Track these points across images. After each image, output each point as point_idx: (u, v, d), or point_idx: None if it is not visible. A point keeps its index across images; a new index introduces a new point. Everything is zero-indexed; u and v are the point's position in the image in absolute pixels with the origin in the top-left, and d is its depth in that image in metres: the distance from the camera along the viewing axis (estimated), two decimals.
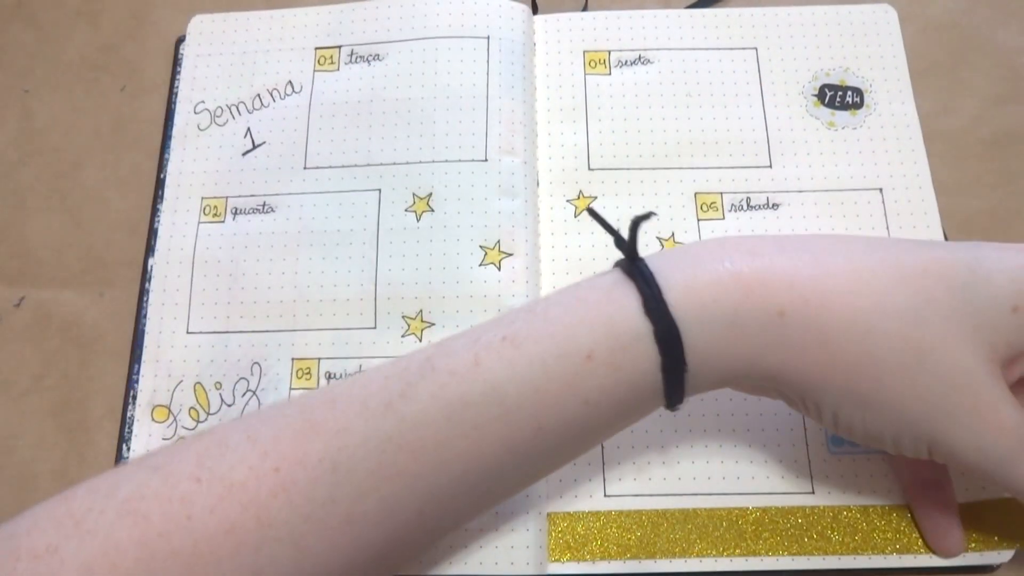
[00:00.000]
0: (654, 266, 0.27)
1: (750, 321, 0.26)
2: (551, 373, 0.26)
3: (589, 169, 0.40)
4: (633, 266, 0.27)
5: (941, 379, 0.26)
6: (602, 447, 0.35)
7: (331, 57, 0.43)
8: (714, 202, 0.39)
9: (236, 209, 0.40)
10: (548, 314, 0.27)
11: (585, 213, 0.40)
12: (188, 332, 0.38)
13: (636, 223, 0.28)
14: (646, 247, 0.37)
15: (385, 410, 0.26)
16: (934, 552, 0.33)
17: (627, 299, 0.27)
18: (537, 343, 0.26)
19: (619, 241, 0.29)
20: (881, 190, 0.39)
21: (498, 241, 0.38)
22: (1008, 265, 0.27)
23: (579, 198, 0.40)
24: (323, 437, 0.26)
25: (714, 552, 0.33)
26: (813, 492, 0.34)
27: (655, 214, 0.33)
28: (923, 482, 0.33)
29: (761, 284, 0.26)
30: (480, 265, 0.38)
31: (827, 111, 0.41)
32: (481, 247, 0.38)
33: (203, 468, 0.26)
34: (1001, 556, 0.33)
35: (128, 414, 0.37)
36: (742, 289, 0.26)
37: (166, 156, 0.42)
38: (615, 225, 0.29)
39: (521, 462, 0.27)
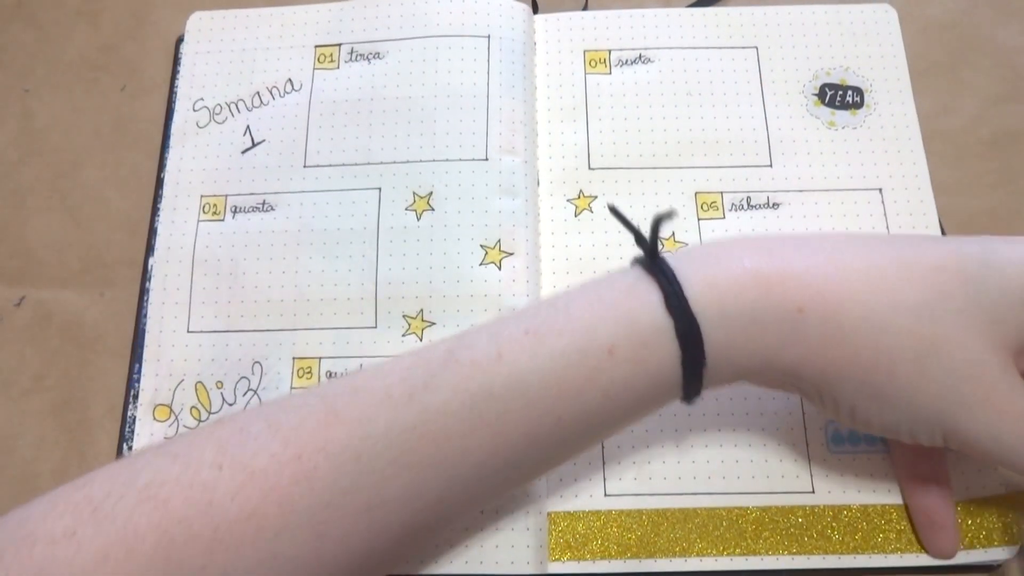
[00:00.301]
0: (674, 264, 0.28)
1: (770, 318, 0.27)
2: (573, 366, 0.27)
3: (589, 168, 0.40)
4: (654, 263, 0.28)
5: (955, 371, 0.27)
6: (602, 446, 0.35)
7: (331, 55, 0.43)
8: (714, 201, 0.39)
9: (236, 208, 0.40)
10: (570, 309, 0.28)
11: (585, 213, 0.40)
12: (189, 331, 0.38)
13: (657, 221, 0.29)
14: None
15: (408, 400, 0.27)
16: (927, 552, 0.33)
17: (649, 295, 0.27)
18: (559, 337, 0.27)
19: (639, 239, 0.29)
20: (881, 190, 0.39)
21: (498, 240, 0.38)
22: (1020, 258, 0.27)
23: (579, 197, 0.40)
24: (346, 426, 0.26)
25: (714, 552, 0.33)
26: (813, 492, 0.34)
27: (676, 212, 0.34)
28: (921, 479, 0.33)
29: (780, 283, 0.27)
30: (480, 264, 0.38)
31: (827, 110, 0.41)
32: (482, 246, 0.38)
33: (224, 455, 0.26)
34: (1005, 552, 0.33)
35: (129, 413, 0.37)
36: (762, 287, 0.27)
37: (165, 155, 0.42)
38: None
39: (540, 451, 0.28)
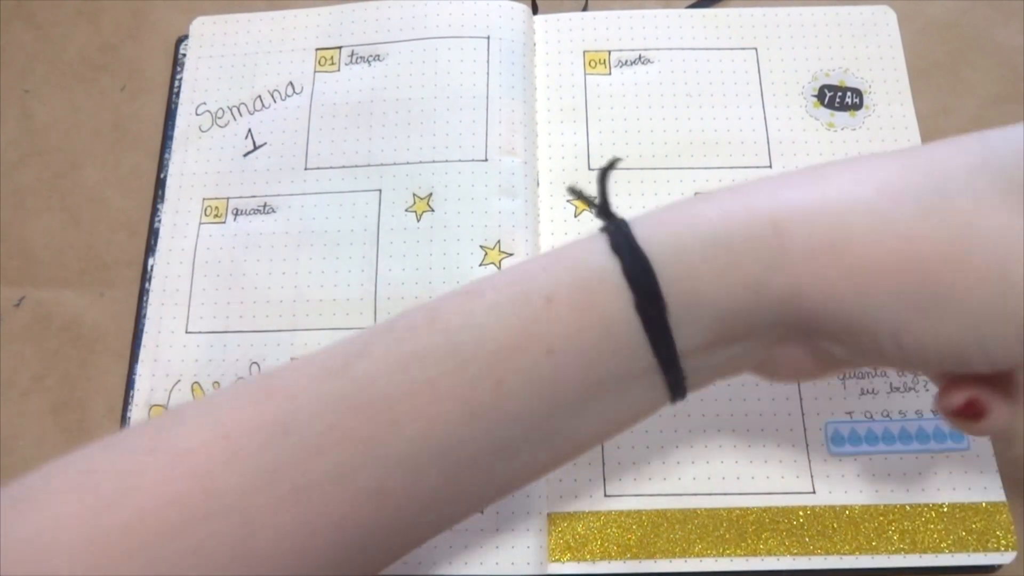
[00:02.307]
0: (630, 219, 0.25)
1: (735, 237, 0.23)
2: (509, 319, 0.24)
3: (589, 169, 0.40)
4: (603, 214, 0.26)
5: (997, 251, 0.22)
6: (602, 447, 0.35)
7: (331, 58, 0.43)
8: None
9: (237, 210, 0.40)
10: (513, 268, 0.26)
11: (585, 213, 0.40)
12: (187, 332, 0.38)
13: (605, 172, 0.27)
14: None
15: (341, 370, 0.25)
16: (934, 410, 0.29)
17: (594, 242, 0.25)
18: (496, 292, 0.25)
19: (592, 205, 0.27)
20: None
21: (498, 241, 0.38)
22: (1016, 131, 0.24)
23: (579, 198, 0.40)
24: (276, 401, 0.25)
25: (714, 552, 0.33)
26: (813, 492, 0.34)
27: (620, 159, 0.34)
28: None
29: (744, 207, 0.24)
30: (480, 265, 0.38)
31: (827, 112, 0.41)
32: (481, 247, 0.38)
33: (159, 439, 0.25)
34: (1004, 556, 0.33)
35: (128, 414, 0.37)
36: (720, 211, 0.24)
37: (167, 157, 0.42)
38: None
39: (483, 429, 0.25)
